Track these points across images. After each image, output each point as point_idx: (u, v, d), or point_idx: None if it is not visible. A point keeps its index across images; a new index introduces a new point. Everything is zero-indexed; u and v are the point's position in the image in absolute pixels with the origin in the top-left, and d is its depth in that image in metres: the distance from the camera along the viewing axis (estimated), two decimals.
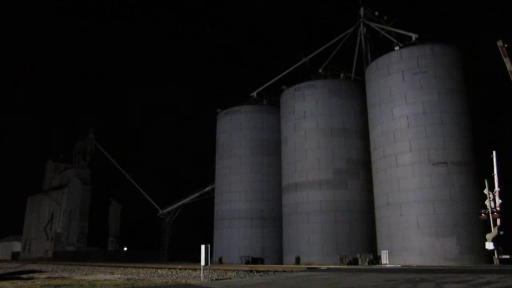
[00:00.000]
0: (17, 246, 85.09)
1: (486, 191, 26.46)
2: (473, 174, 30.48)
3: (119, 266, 31.24)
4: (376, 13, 44.22)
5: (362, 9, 44.62)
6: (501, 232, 25.76)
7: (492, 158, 26.85)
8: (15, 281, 19.54)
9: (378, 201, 34.09)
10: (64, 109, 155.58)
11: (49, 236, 74.44)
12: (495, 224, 25.96)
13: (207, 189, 53.63)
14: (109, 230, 76.05)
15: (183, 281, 17.93)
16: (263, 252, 41.65)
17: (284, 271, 20.90)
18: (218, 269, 23.96)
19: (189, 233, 62.61)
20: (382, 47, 39.76)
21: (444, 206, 29.99)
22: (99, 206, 73.88)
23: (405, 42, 36.28)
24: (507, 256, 25.93)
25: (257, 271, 21.68)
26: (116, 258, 55.13)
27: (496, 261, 25.82)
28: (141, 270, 26.90)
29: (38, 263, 47.00)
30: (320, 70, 42.79)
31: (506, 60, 29.74)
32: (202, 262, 17.86)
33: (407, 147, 32.08)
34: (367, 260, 31.56)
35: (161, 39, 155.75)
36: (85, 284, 16.46)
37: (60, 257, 64.72)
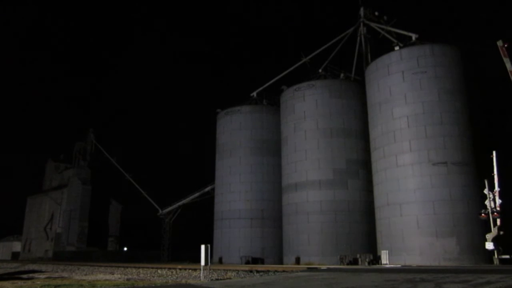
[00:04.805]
0: (17, 246, 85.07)
1: (486, 191, 26.43)
2: (473, 174, 30.46)
3: (119, 266, 31.24)
4: (376, 13, 44.18)
5: (362, 9, 44.59)
6: (501, 232, 25.74)
7: (492, 158, 26.83)
8: (15, 281, 19.56)
9: (378, 201, 34.08)
10: (64, 109, 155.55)
11: (49, 236, 74.43)
12: (495, 224, 25.94)
13: (207, 189, 53.56)
14: (109, 230, 76.01)
15: (183, 281, 17.94)
16: (263, 252, 41.62)
17: (284, 271, 20.89)
18: (218, 269, 23.96)
19: (189, 233, 62.50)
20: (382, 47, 39.75)
21: (444, 206, 29.97)
22: (99, 206, 73.86)
23: (405, 42, 36.26)
24: (507, 256, 25.92)
25: (257, 271, 21.68)
26: (116, 258, 55.06)
27: (496, 261, 25.81)
28: (141, 270, 26.89)
29: (38, 263, 47.02)
30: (320, 70, 42.72)
31: (506, 60, 29.74)
32: (202, 262, 17.87)
33: (407, 147, 32.06)
34: (367, 260, 31.54)
35: (161, 38, 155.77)
36: (85, 284, 16.47)
37: (60, 257, 64.71)
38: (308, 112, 38.97)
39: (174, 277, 21.20)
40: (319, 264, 31.67)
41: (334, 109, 38.27)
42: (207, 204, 51.89)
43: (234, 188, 44.12)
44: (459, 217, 29.63)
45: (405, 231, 31.00)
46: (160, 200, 60.66)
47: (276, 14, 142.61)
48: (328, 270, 20.18)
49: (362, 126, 37.73)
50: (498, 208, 25.83)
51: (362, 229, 35.65)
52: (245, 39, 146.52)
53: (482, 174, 28.23)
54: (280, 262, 39.32)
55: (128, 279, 19.85)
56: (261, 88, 48.14)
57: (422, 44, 34.32)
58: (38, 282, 18.05)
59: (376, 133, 34.98)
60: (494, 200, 26.02)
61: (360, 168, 37.05)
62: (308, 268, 23.61)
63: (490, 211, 26.04)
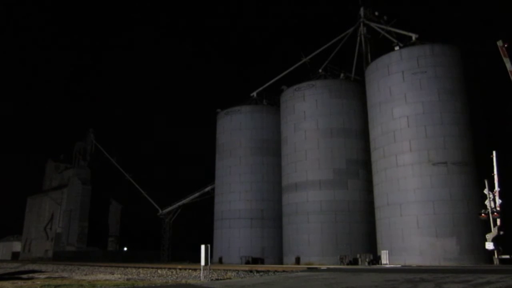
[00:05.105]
0: (17, 246, 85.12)
1: (486, 191, 26.43)
2: (473, 174, 30.45)
3: (119, 266, 31.23)
4: (376, 13, 44.16)
5: (362, 9, 44.58)
6: (501, 232, 25.74)
7: (492, 158, 26.83)
8: (15, 281, 19.56)
9: (378, 201, 34.07)
10: (63, 109, 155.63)
11: (49, 236, 74.45)
12: (495, 224, 25.94)
13: (207, 189, 53.56)
14: (109, 230, 75.98)
15: (183, 281, 17.94)
16: (263, 252, 41.62)
17: (284, 271, 20.89)
18: (218, 269, 23.95)
19: (189, 233, 62.53)
20: (382, 47, 39.75)
21: (444, 206, 29.97)
22: (99, 206, 73.84)
23: (405, 42, 36.25)
24: (507, 256, 25.90)
25: (257, 271, 21.67)
26: (116, 258, 55.07)
27: (496, 261, 25.81)
28: (141, 270, 26.89)
29: (38, 263, 47.03)
30: (320, 70, 42.71)
31: (506, 60, 29.74)
32: (202, 262, 17.86)
33: (407, 147, 32.06)
34: (367, 260, 31.54)
35: (160, 38, 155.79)
36: (85, 284, 16.47)
37: (60, 257, 64.70)
38: (308, 112, 38.97)
39: (174, 277, 21.20)
40: (319, 264, 31.67)
41: (334, 109, 38.27)
42: (207, 204, 51.93)
43: (234, 188, 44.12)
44: (459, 217, 29.63)
45: (405, 231, 31.00)
46: (160, 200, 60.72)
47: (276, 14, 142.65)
48: (328, 270, 20.18)
49: (362, 126, 37.73)
50: (498, 208, 25.83)
51: (362, 229, 35.64)
52: (245, 39, 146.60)
53: (482, 174, 28.21)
54: (280, 262, 39.32)
55: (128, 279, 19.86)
56: (261, 88, 48.15)
57: (422, 44, 34.31)
58: (38, 282, 18.05)
59: (376, 133, 34.98)
60: (494, 200, 26.02)
61: (360, 168, 37.05)
62: (308, 268, 23.61)
63: (490, 211, 26.03)
